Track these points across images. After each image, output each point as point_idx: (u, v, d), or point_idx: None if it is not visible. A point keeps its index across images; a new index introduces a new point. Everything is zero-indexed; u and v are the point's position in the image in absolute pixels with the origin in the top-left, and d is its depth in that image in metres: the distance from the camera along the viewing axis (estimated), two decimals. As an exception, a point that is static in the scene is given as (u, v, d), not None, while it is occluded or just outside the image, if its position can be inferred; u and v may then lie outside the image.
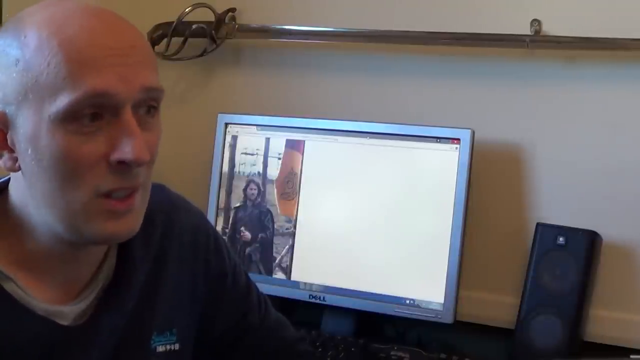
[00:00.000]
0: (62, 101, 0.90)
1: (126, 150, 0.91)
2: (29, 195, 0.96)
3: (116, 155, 0.92)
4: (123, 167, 0.92)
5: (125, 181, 0.93)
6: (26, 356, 0.96)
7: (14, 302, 0.95)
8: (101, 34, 0.93)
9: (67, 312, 0.99)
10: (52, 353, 0.97)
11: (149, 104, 0.96)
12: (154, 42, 2.00)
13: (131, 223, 0.97)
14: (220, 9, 1.98)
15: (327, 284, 1.78)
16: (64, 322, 0.99)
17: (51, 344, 0.97)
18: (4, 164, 0.96)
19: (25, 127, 0.92)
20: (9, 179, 1.00)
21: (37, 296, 0.97)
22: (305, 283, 1.81)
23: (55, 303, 0.98)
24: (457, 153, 1.69)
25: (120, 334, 1.03)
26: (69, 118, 0.90)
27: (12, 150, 0.95)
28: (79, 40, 0.91)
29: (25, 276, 0.97)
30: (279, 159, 1.84)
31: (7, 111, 0.93)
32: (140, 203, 0.97)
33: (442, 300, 1.68)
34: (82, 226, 0.94)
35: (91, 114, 0.91)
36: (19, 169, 0.95)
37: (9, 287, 0.96)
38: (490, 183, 1.79)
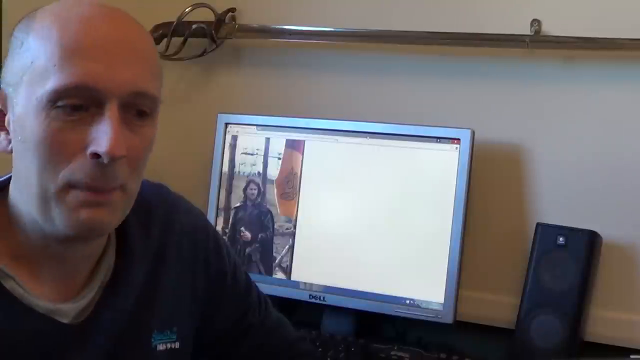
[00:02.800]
0: (49, 87, 0.90)
1: (101, 143, 0.91)
2: (15, 179, 0.97)
3: (91, 147, 0.91)
4: (98, 161, 0.91)
5: (100, 179, 0.92)
6: (27, 354, 0.96)
7: (14, 300, 0.96)
8: (98, 25, 0.93)
9: (67, 309, 0.99)
10: (53, 351, 0.98)
11: (138, 108, 0.95)
12: (154, 42, 2.00)
13: (105, 215, 0.95)
14: (220, 9, 1.99)
15: (327, 284, 1.78)
16: (65, 320, 0.99)
17: (51, 342, 0.97)
18: (0, 143, 0.97)
19: (18, 108, 0.94)
20: (10, 177, 1.00)
21: (38, 294, 0.97)
22: (305, 283, 1.81)
23: (55, 301, 0.99)
24: (457, 153, 1.69)
25: (121, 332, 1.04)
26: (54, 104, 0.91)
27: (8, 132, 0.96)
28: (75, 28, 0.92)
29: (25, 274, 0.97)
30: (279, 159, 1.85)
31: (8, 92, 0.95)
32: (119, 203, 0.96)
33: (442, 300, 1.68)
34: (54, 214, 0.94)
35: (74, 103, 0.91)
36: (11, 151, 0.96)
37: (9, 285, 0.96)
38: (490, 183, 1.79)
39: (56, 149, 0.91)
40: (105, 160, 0.91)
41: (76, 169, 0.92)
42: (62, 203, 0.93)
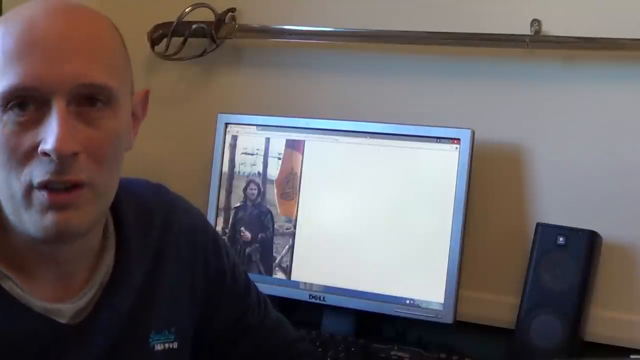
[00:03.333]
0: None
1: (48, 141, 0.89)
2: None
3: (40, 146, 0.90)
4: (50, 158, 0.90)
5: (58, 174, 0.90)
6: (24, 354, 0.96)
7: (12, 300, 0.96)
8: (40, 23, 0.92)
9: (65, 310, 0.99)
10: (50, 351, 0.97)
11: (90, 97, 0.93)
12: (154, 42, 2.01)
13: (73, 218, 0.93)
14: (220, 9, 1.99)
15: (327, 284, 1.78)
16: (62, 320, 0.98)
17: (49, 342, 0.97)
18: None
19: None
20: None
21: (35, 294, 0.97)
22: (305, 283, 1.81)
23: (53, 301, 0.98)
24: (457, 153, 1.69)
25: (119, 332, 1.03)
26: (4, 109, 0.90)
27: None
28: (16, 29, 0.92)
29: (22, 274, 0.97)
30: (279, 159, 1.84)
31: None
32: (88, 202, 0.94)
33: (442, 300, 1.68)
34: (24, 218, 0.93)
35: (20, 103, 0.90)
36: None
37: (7, 285, 0.96)
38: (490, 183, 1.79)
39: (13, 152, 0.91)
40: (55, 158, 0.89)
41: (33, 169, 0.91)
42: (29, 207, 0.92)
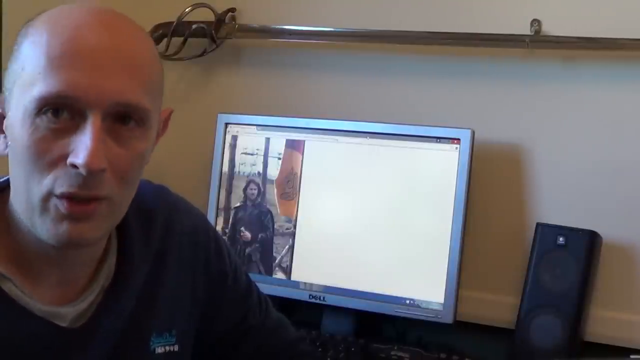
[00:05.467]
0: (33, 94, 0.90)
1: (79, 155, 0.89)
2: (11, 182, 0.97)
3: (70, 158, 0.90)
4: (77, 171, 0.90)
5: (82, 188, 0.90)
6: (24, 357, 0.96)
7: (13, 302, 0.95)
8: (87, 33, 0.91)
9: (66, 313, 0.99)
10: (51, 354, 0.97)
11: (125, 116, 0.93)
12: (154, 42, 2.00)
13: (87, 231, 0.93)
14: (220, 9, 1.99)
15: (327, 284, 1.78)
16: (63, 324, 0.98)
17: (49, 345, 0.97)
18: None
19: (11, 113, 0.94)
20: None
21: (36, 297, 0.97)
22: (305, 283, 1.81)
23: (54, 304, 0.98)
24: (457, 153, 1.69)
25: (119, 335, 1.03)
26: (38, 112, 0.90)
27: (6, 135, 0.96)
28: (63, 34, 0.91)
29: (23, 277, 0.97)
30: (279, 159, 1.84)
31: (6, 96, 0.95)
32: (104, 216, 0.94)
33: (442, 300, 1.68)
34: (37, 223, 0.93)
35: (55, 110, 0.90)
36: (7, 154, 0.96)
37: (7, 287, 0.96)
38: (490, 183, 1.79)
39: (39, 157, 0.91)
40: (84, 172, 0.89)
41: (58, 178, 0.91)
42: (44, 213, 0.92)
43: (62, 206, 0.91)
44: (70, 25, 0.92)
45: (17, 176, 0.94)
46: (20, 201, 0.95)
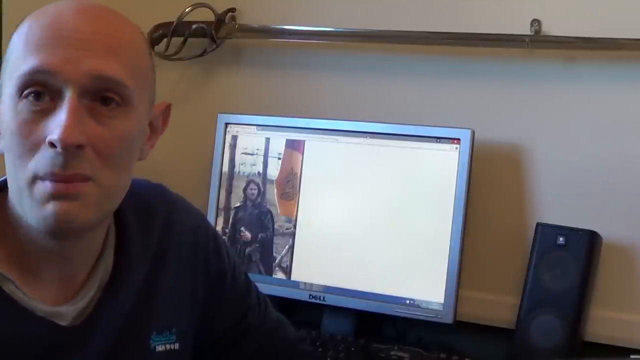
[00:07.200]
0: (15, 78, 0.91)
1: (54, 131, 0.89)
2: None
3: (48, 136, 0.90)
4: (56, 150, 0.90)
5: (63, 167, 0.90)
6: (25, 357, 0.96)
7: (13, 303, 0.95)
8: (67, 17, 0.93)
9: (66, 312, 0.99)
10: (52, 354, 0.97)
11: (103, 95, 0.93)
12: (154, 42, 2.00)
13: (74, 208, 0.92)
14: (220, 9, 1.99)
15: (327, 284, 1.78)
16: (63, 323, 0.98)
17: (50, 345, 0.97)
18: None
19: (2, 105, 0.95)
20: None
21: (36, 297, 0.97)
22: (305, 283, 1.81)
23: (54, 303, 0.98)
24: (457, 153, 1.69)
25: (119, 333, 1.03)
26: (20, 96, 0.91)
27: None
28: (45, 20, 0.93)
29: (23, 277, 0.97)
30: (279, 159, 1.85)
31: (2, 90, 0.96)
32: (93, 199, 0.93)
33: (442, 300, 1.68)
34: (26, 209, 0.93)
35: (36, 93, 0.91)
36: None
37: (8, 288, 0.96)
38: (490, 183, 1.79)
39: (23, 141, 0.91)
40: (59, 149, 0.89)
41: (40, 159, 0.91)
42: (31, 196, 0.92)
43: (46, 187, 0.91)
44: (54, 12, 0.94)
45: (8, 164, 0.95)
46: (12, 190, 0.95)
